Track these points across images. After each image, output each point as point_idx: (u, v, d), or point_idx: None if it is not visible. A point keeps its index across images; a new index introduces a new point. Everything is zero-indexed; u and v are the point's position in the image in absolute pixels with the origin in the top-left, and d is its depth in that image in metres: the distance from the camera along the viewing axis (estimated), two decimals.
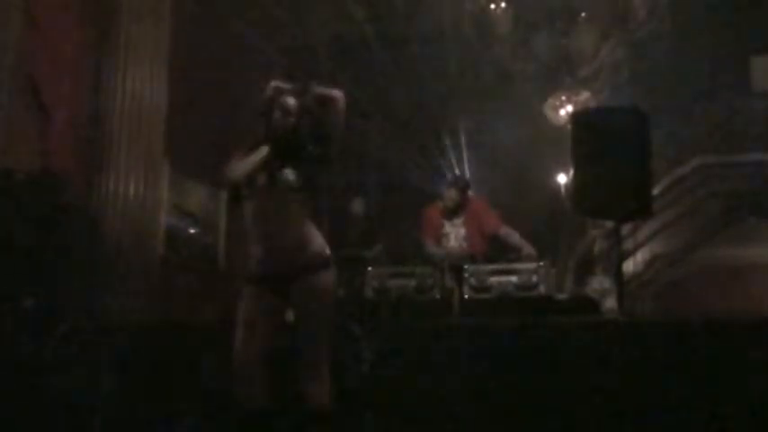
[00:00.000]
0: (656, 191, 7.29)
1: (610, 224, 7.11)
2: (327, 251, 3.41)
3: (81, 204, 6.38)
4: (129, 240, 6.66)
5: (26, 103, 6.08)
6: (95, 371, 4.61)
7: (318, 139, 3.42)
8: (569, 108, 10.19)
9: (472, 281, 5.58)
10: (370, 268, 5.97)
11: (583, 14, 10.70)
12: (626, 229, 7.37)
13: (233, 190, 3.45)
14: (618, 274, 5.80)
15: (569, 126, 6.30)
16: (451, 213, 6.47)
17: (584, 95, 10.43)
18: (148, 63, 7.05)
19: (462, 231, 6.40)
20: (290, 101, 3.43)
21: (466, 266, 5.67)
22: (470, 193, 6.75)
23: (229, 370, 3.32)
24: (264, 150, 3.38)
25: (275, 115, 3.42)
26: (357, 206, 7.61)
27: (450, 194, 6.52)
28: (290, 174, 3.34)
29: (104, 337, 4.78)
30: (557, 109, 10.47)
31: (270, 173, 3.34)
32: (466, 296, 5.58)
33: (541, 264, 5.65)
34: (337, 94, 3.47)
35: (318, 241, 3.40)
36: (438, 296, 5.70)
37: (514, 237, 6.25)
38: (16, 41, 5.96)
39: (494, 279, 5.58)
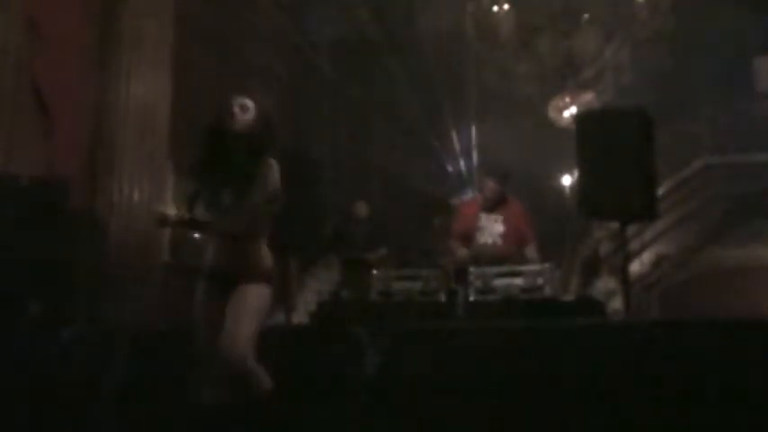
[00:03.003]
0: (661, 192, 7.26)
1: (615, 226, 7.09)
2: (263, 268, 3.50)
3: (85, 208, 6.38)
4: (133, 244, 6.66)
5: (30, 107, 6.09)
6: (100, 376, 4.61)
7: (256, 154, 3.44)
8: (573, 109, 10.18)
9: (477, 283, 5.56)
10: (374, 271, 5.96)
11: (586, 16, 10.70)
12: (631, 230, 7.35)
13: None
14: (623, 276, 5.78)
15: (573, 127, 6.28)
16: (490, 206, 6.15)
17: (588, 97, 10.42)
18: (152, 65, 7.05)
19: (500, 228, 6.10)
20: (249, 102, 3.49)
21: (471, 269, 5.64)
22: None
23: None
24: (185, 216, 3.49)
25: (233, 110, 3.45)
26: (361, 209, 7.61)
27: (489, 185, 6.24)
28: (226, 195, 3.41)
29: (109, 342, 4.78)
30: (561, 110, 10.46)
31: (209, 196, 3.44)
32: (471, 298, 5.56)
33: (547, 265, 5.63)
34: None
35: (261, 259, 3.51)
36: (443, 299, 5.69)
37: (534, 258, 6.02)
38: (19, 45, 5.97)
39: (499, 281, 5.54)
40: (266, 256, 3.54)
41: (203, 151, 3.52)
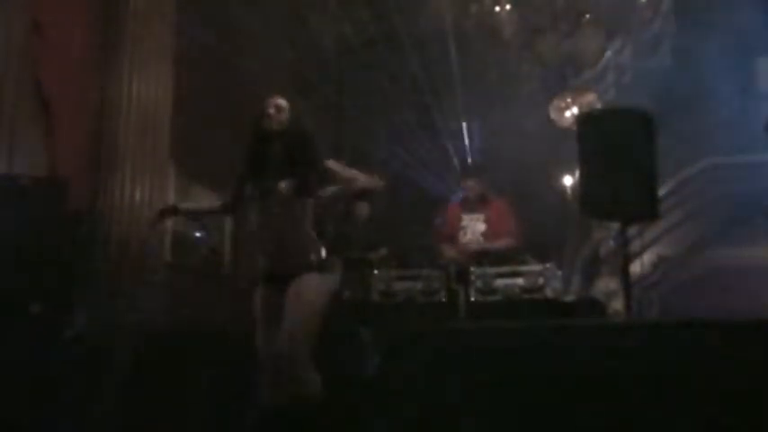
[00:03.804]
0: (662, 192, 7.26)
1: (616, 226, 7.08)
2: (316, 256, 3.62)
3: (87, 209, 6.38)
4: (135, 245, 6.66)
5: (31, 107, 6.09)
6: (102, 376, 4.62)
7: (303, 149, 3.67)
8: (575, 109, 10.18)
9: (478, 283, 5.57)
10: (375, 271, 5.96)
11: (587, 16, 10.70)
12: (632, 230, 7.35)
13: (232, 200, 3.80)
14: (624, 276, 5.78)
15: (575, 127, 6.28)
16: (472, 206, 6.35)
17: (590, 97, 10.41)
18: (154, 65, 7.04)
19: (482, 227, 6.28)
20: (281, 100, 3.71)
21: (472, 269, 5.66)
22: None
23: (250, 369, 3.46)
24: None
25: (269, 111, 3.66)
26: (362, 209, 7.60)
27: (469, 185, 6.42)
28: (283, 184, 3.56)
29: (111, 343, 4.79)
30: (562, 110, 10.45)
31: (267, 185, 3.60)
32: (472, 299, 5.57)
33: (548, 266, 5.64)
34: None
35: (313, 247, 3.63)
36: (444, 299, 5.69)
37: (498, 246, 6.20)
38: (21, 45, 5.98)
39: (500, 281, 5.57)
40: (313, 245, 3.62)
41: (248, 152, 3.72)
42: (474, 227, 6.30)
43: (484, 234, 6.27)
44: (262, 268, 3.63)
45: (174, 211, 4.09)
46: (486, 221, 6.28)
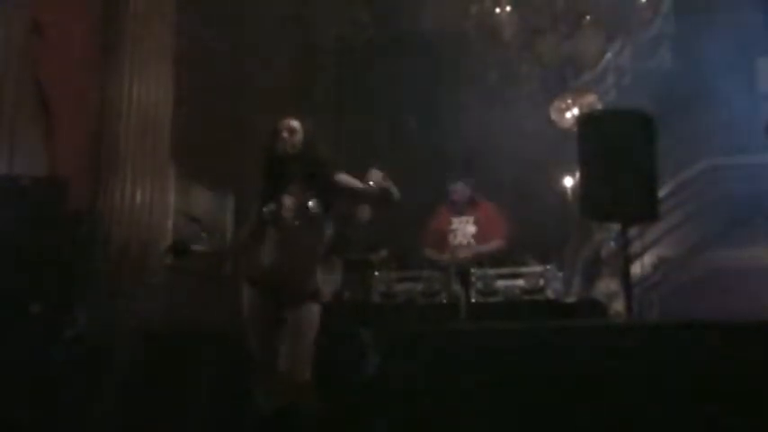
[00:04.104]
0: (662, 193, 7.26)
1: (616, 227, 7.08)
2: (320, 287, 3.79)
3: (87, 210, 6.37)
4: (135, 246, 6.66)
5: (32, 108, 6.09)
6: (102, 376, 4.61)
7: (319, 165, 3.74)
8: (575, 111, 10.16)
9: (479, 285, 5.57)
10: (376, 272, 5.96)
11: (587, 17, 10.68)
12: (633, 231, 7.34)
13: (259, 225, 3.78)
14: (625, 277, 5.78)
15: (575, 129, 6.29)
16: (460, 209, 6.38)
17: (590, 98, 10.40)
18: (154, 66, 7.04)
19: (472, 229, 6.32)
20: (294, 122, 3.75)
21: (473, 270, 5.66)
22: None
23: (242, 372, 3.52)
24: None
25: (283, 135, 3.71)
26: (362, 210, 7.59)
27: (457, 187, 6.45)
28: (314, 204, 3.64)
29: (111, 343, 4.79)
30: (562, 112, 10.44)
31: (298, 204, 3.65)
32: (473, 300, 5.57)
33: (548, 267, 5.64)
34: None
35: (318, 277, 3.77)
36: (445, 300, 5.69)
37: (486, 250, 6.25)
38: (22, 46, 5.98)
39: (500, 283, 5.57)
40: (318, 273, 3.76)
41: (265, 174, 3.77)
42: (464, 229, 6.34)
43: (474, 236, 6.32)
44: (268, 278, 3.67)
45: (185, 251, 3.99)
46: (476, 223, 6.33)
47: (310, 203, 3.63)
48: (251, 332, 3.66)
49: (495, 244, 6.25)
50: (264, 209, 3.69)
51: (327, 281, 6.16)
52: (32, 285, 5.03)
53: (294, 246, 3.64)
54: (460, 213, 6.38)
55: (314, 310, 3.70)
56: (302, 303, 3.65)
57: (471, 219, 6.35)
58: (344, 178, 3.78)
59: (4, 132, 5.77)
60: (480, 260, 6.04)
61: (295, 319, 3.62)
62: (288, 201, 3.66)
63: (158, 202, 6.98)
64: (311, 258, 3.73)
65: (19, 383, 4.56)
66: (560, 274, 5.96)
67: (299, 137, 3.72)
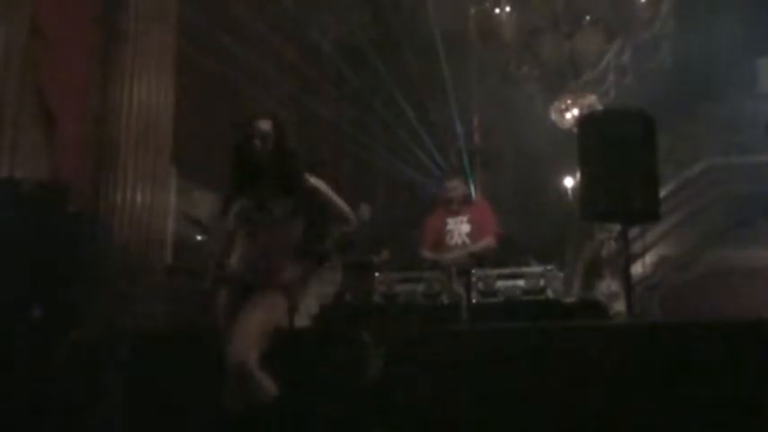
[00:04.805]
0: (663, 193, 7.26)
1: (617, 227, 7.09)
2: (287, 280, 3.70)
3: (89, 212, 6.38)
4: (137, 248, 6.67)
5: (33, 112, 6.10)
6: (104, 378, 4.62)
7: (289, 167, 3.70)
8: (575, 111, 10.17)
9: (480, 285, 5.57)
10: (377, 273, 5.96)
11: (587, 17, 10.69)
12: (634, 232, 7.35)
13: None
14: (626, 278, 5.78)
15: (575, 129, 6.29)
16: (455, 208, 6.40)
17: (591, 98, 10.41)
18: (155, 69, 7.06)
19: (467, 228, 6.34)
20: (265, 126, 3.69)
21: (474, 271, 5.66)
22: (474, 194, 6.71)
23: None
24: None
25: (255, 143, 3.66)
26: (364, 211, 7.60)
27: (453, 185, 6.48)
28: (276, 207, 3.62)
29: (113, 345, 4.79)
30: (563, 112, 10.45)
31: (261, 206, 3.64)
32: (474, 301, 5.57)
33: (549, 267, 5.64)
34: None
35: (288, 274, 3.70)
36: (446, 301, 5.69)
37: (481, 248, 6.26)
38: (23, 50, 5.98)
39: (501, 283, 5.56)
40: (288, 267, 3.69)
41: (235, 173, 3.75)
42: (459, 228, 6.35)
43: (469, 235, 6.32)
44: (239, 277, 3.67)
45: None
46: (471, 222, 6.34)
47: (280, 203, 3.62)
48: (222, 332, 3.61)
49: (484, 242, 6.27)
50: (235, 209, 3.69)
51: (321, 294, 6.22)
52: (34, 288, 5.03)
53: (263, 246, 3.63)
54: (456, 213, 6.39)
55: (278, 301, 3.64)
56: (266, 290, 3.60)
57: (465, 218, 6.37)
58: (318, 183, 3.75)
59: (5, 136, 5.78)
60: (473, 259, 6.04)
61: (252, 302, 3.56)
62: (257, 201, 3.65)
63: (159, 203, 7.00)
64: (281, 257, 3.68)
65: (19, 384, 4.57)
66: (561, 275, 5.95)
67: (270, 142, 3.68)
